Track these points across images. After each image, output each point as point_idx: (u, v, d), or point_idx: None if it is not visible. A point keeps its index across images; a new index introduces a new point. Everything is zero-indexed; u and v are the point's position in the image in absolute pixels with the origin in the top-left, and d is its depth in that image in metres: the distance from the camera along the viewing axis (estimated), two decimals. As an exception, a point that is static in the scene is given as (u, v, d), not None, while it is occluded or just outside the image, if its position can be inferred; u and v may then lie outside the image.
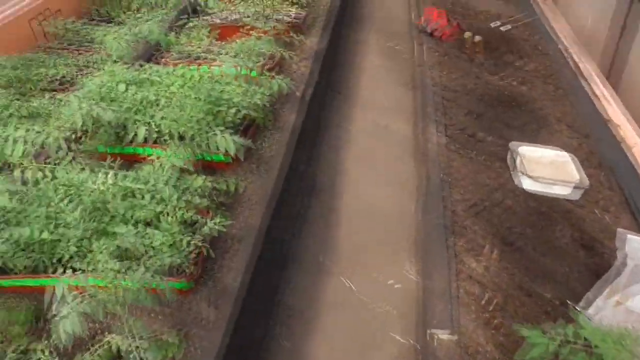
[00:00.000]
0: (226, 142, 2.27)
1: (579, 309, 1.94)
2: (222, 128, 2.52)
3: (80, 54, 4.09)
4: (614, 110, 3.07)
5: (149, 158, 2.47)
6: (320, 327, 2.60)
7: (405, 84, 4.48)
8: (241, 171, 2.72)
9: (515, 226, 2.42)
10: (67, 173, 2.09)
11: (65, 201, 1.91)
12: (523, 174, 2.59)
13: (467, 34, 3.61)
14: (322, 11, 4.61)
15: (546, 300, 2.14)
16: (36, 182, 2.11)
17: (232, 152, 2.29)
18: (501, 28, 4.04)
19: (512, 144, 2.72)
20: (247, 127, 2.83)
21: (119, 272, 1.56)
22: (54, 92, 3.50)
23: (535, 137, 2.97)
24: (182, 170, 2.32)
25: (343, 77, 4.64)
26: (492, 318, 1.99)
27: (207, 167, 2.66)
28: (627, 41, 3.57)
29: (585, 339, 1.50)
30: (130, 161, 2.78)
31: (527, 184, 2.57)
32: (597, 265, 2.30)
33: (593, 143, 3.00)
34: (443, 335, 1.88)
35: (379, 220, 3.23)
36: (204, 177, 2.29)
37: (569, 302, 2.03)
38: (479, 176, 2.65)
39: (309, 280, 2.86)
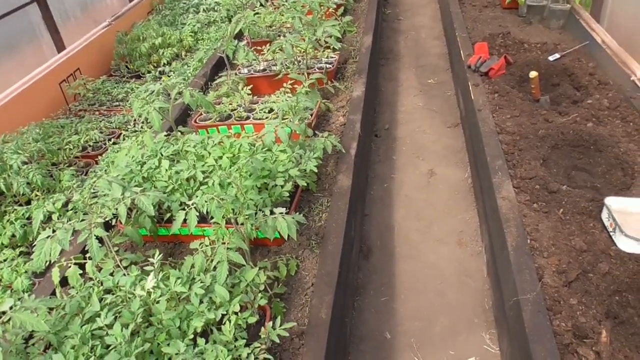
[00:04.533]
0: (287, 226, 1.98)
1: None
2: (272, 204, 2.27)
3: (112, 114, 3.93)
4: None
5: (195, 238, 2.22)
6: None
7: (451, 124, 4.17)
8: (290, 247, 2.43)
9: (619, 296, 2.07)
10: (110, 275, 1.84)
11: (110, 315, 1.64)
12: (619, 232, 2.24)
13: (533, 73, 3.28)
14: (355, 51, 4.37)
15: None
16: (78, 284, 1.87)
17: (293, 235, 2.00)
18: (557, 60, 3.73)
19: (608, 200, 2.36)
20: (293, 195, 2.56)
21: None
22: (88, 161, 3.32)
23: (623, 186, 2.62)
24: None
25: (385, 121, 4.36)
26: None
27: (253, 244, 2.39)
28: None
29: None
30: (175, 242, 2.54)
31: (626, 245, 2.21)
32: None
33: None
34: None
35: (443, 284, 2.89)
36: (257, 267, 2.00)
37: None
38: (571, 239, 2.30)
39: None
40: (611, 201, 2.36)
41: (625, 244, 2.22)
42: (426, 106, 4.47)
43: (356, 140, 3.06)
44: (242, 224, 2.05)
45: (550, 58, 3.78)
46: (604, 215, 2.36)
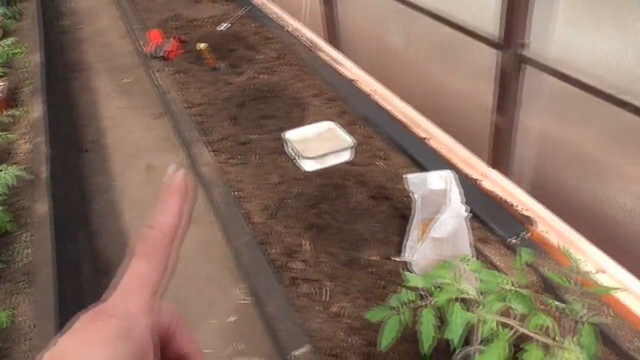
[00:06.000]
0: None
1: (399, 259, 2.01)
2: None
3: None
4: (349, 69, 3.29)
5: None
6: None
7: (157, 115, 4.17)
8: None
9: (314, 209, 2.41)
10: None
11: None
12: (300, 157, 2.59)
13: (202, 45, 3.47)
14: (29, 72, 3.97)
15: (374, 263, 2.17)
16: None
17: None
18: (222, 29, 4.01)
19: (283, 134, 2.69)
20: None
21: None
22: None
23: (301, 120, 3.00)
24: None
25: (90, 133, 4.11)
26: (336, 307, 1.93)
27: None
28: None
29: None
30: None
31: (308, 166, 2.58)
32: (398, 209, 2.42)
33: (349, 104, 3.14)
34: (298, 352, 1.75)
35: (189, 263, 2.93)
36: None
37: (392, 258, 2.09)
38: (268, 177, 2.56)
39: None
40: (285, 135, 2.70)
41: (307, 165, 2.58)
42: (129, 106, 4.36)
43: (47, 163, 2.82)
44: None
45: (222, 28, 4.06)
46: (286, 148, 2.69)
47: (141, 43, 4.04)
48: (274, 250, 2.19)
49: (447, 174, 1.94)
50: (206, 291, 2.78)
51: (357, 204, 2.49)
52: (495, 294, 1.31)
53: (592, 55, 2.06)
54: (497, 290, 1.34)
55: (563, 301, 1.54)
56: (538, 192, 2.64)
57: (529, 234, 2.12)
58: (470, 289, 1.26)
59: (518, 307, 1.25)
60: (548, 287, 1.91)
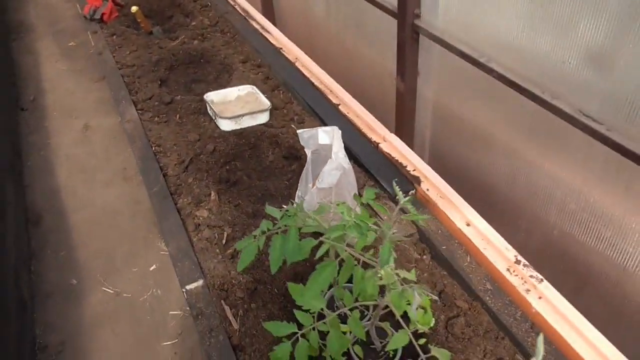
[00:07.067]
0: None
1: (287, 208, 2.23)
2: None
3: None
4: (276, 38, 3.46)
5: None
6: (102, 345, 2.49)
7: (98, 79, 4.28)
8: None
9: (227, 165, 2.60)
10: None
11: None
12: (218, 117, 2.77)
13: (133, 8, 3.57)
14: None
15: (275, 213, 2.39)
16: None
17: None
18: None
19: (205, 95, 2.87)
20: None
21: None
22: None
23: (228, 84, 3.16)
24: None
25: (30, 93, 4.19)
26: (231, 249, 2.15)
27: None
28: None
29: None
30: None
31: (225, 125, 2.76)
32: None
33: (273, 70, 3.32)
34: (191, 286, 1.96)
35: (117, 217, 3.12)
36: None
37: (283, 206, 2.31)
38: (187, 135, 2.74)
39: (70, 308, 2.67)
40: (209, 95, 2.87)
41: (224, 125, 2.77)
42: (70, 69, 4.45)
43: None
44: None
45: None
46: (208, 108, 2.87)
47: (86, 6, 4.10)
48: (184, 200, 2.38)
49: (332, 129, 2.16)
50: (131, 243, 2.98)
51: (269, 162, 2.69)
52: (339, 225, 1.55)
53: (470, 25, 2.29)
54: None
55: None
56: (435, 158, 2.92)
57: (415, 192, 2.37)
58: (309, 218, 1.49)
59: (351, 233, 1.49)
60: (422, 237, 2.17)
